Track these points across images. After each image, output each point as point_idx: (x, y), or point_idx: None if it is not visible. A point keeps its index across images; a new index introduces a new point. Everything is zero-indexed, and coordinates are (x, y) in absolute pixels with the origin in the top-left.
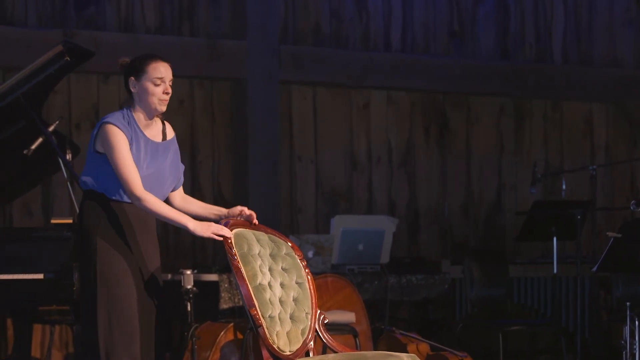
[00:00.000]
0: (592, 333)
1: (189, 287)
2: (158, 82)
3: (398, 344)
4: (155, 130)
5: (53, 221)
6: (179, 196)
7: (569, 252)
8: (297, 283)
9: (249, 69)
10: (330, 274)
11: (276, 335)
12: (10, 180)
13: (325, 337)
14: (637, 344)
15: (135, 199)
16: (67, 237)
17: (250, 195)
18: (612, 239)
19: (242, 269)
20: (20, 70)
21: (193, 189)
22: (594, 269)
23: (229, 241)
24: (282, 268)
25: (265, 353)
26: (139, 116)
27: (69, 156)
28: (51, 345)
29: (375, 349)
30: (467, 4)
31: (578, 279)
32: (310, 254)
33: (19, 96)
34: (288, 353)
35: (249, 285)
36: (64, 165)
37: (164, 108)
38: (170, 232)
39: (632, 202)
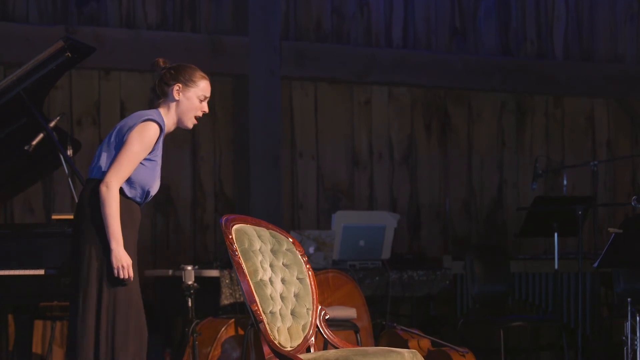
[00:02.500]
0: (593, 329)
1: (189, 283)
2: (203, 99)
3: (399, 340)
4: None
5: (54, 217)
6: None
7: (571, 248)
8: (298, 279)
9: (251, 65)
10: (331, 270)
11: (277, 331)
12: (11, 176)
13: (326, 332)
14: (638, 339)
15: (105, 184)
16: (68, 233)
17: (251, 191)
18: (613, 235)
19: (243, 265)
20: (21, 67)
21: (194, 185)
22: (595, 265)
23: (230, 237)
24: (283, 264)
25: (266, 349)
26: (168, 120)
27: (70, 152)
28: (52, 341)
29: (377, 345)
30: (468, 0)
31: (579, 275)
32: (311, 250)
33: (20, 92)
34: (289, 349)
35: (250, 281)
36: (65, 161)
37: (191, 125)
38: (171, 228)
39: (634, 198)
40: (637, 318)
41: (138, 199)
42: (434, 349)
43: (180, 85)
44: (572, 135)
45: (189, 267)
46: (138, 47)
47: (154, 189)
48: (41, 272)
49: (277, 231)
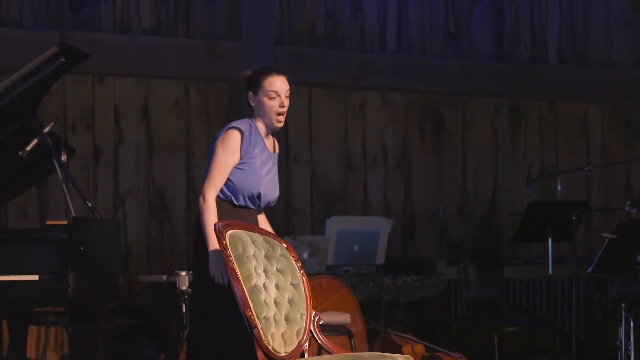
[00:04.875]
0: (587, 334)
1: (184, 288)
2: (273, 95)
3: (393, 345)
4: (271, 141)
5: (48, 222)
6: None
7: (565, 253)
8: (292, 284)
9: (245, 70)
10: (325, 275)
11: (271, 336)
12: (5, 181)
13: (321, 338)
14: (632, 344)
15: (202, 196)
16: (62, 238)
17: None
18: (607, 240)
19: (237, 270)
20: (15, 72)
21: (188, 191)
22: (589, 270)
23: (224, 242)
24: (277, 269)
25: (260, 354)
26: (261, 126)
27: (64, 157)
28: (46, 347)
29: (371, 350)
30: (462, 4)
31: (573, 279)
32: (305, 255)
33: (15, 97)
34: (283, 354)
35: (244, 287)
36: (60, 167)
37: (281, 124)
38: (165, 232)
39: (628, 203)
40: (631, 323)
41: (251, 205)
42: (427, 354)
43: (250, 92)
44: (566, 139)
45: (183, 273)
46: (132, 52)
47: (265, 190)
48: (35, 277)
49: (270, 236)
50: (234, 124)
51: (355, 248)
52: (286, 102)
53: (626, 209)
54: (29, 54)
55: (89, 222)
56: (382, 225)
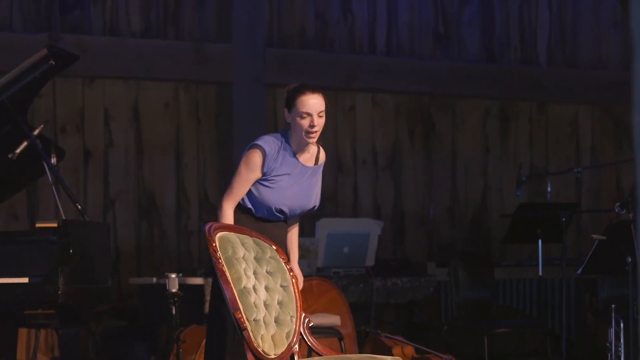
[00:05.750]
0: (577, 335)
1: (174, 290)
2: (305, 115)
3: (383, 346)
4: (310, 156)
5: (38, 225)
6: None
7: (555, 254)
8: (281, 286)
9: (235, 72)
10: (315, 277)
11: (261, 338)
12: None
13: (310, 340)
14: (622, 346)
15: (220, 206)
16: (52, 241)
17: None
18: (597, 242)
19: (227, 273)
20: (4, 75)
21: (178, 193)
22: (579, 271)
23: (214, 244)
24: (266, 271)
25: (250, 356)
26: (294, 141)
27: (54, 160)
28: (36, 349)
29: (361, 352)
30: (452, 6)
31: (564, 281)
32: None
33: (4, 100)
34: (273, 356)
35: (234, 289)
36: (49, 169)
37: (313, 141)
38: (155, 235)
39: (617, 204)
40: (622, 324)
41: (272, 218)
42: (417, 356)
43: (286, 109)
44: (556, 141)
45: (173, 275)
46: (122, 55)
47: (290, 204)
48: (25, 280)
49: (260, 239)
50: (261, 141)
51: (345, 250)
52: (317, 121)
53: (616, 210)
54: (18, 56)
55: (78, 225)
56: (372, 227)
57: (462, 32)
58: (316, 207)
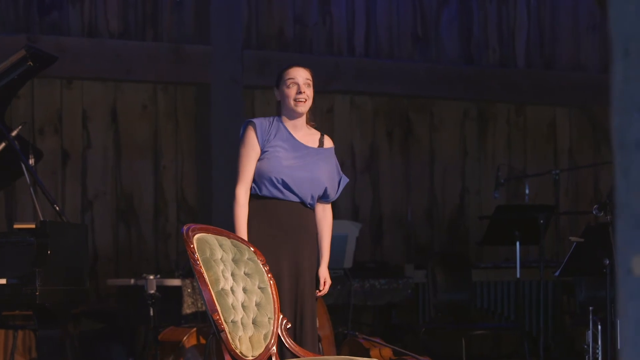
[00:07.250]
0: (555, 337)
1: (151, 292)
2: (290, 84)
3: (361, 348)
4: (309, 137)
5: (16, 226)
6: (321, 207)
7: (532, 256)
8: (259, 288)
9: (213, 74)
10: None
11: (239, 340)
12: None
13: (288, 342)
14: (599, 348)
15: (234, 196)
16: (30, 242)
17: (213, 199)
18: (574, 244)
19: (205, 274)
20: None
21: (156, 194)
22: (557, 273)
23: (192, 246)
24: (244, 273)
25: (227, 358)
26: (286, 120)
27: (32, 161)
28: (14, 351)
29: (339, 354)
30: (430, 8)
31: (541, 283)
32: None
33: None
34: (251, 358)
35: (212, 290)
36: (27, 170)
37: (301, 108)
38: (133, 236)
39: (595, 206)
40: (599, 326)
41: (278, 194)
42: (395, 358)
43: (275, 87)
44: (534, 143)
45: (151, 276)
46: (100, 56)
47: (288, 176)
48: (3, 281)
49: (238, 240)
50: (251, 118)
51: None
52: (305, 89)
53: (594, 212)
54: None
55: (56, 226)
56: (350, 229)
57: (441, 34)
58: (332, 197)
